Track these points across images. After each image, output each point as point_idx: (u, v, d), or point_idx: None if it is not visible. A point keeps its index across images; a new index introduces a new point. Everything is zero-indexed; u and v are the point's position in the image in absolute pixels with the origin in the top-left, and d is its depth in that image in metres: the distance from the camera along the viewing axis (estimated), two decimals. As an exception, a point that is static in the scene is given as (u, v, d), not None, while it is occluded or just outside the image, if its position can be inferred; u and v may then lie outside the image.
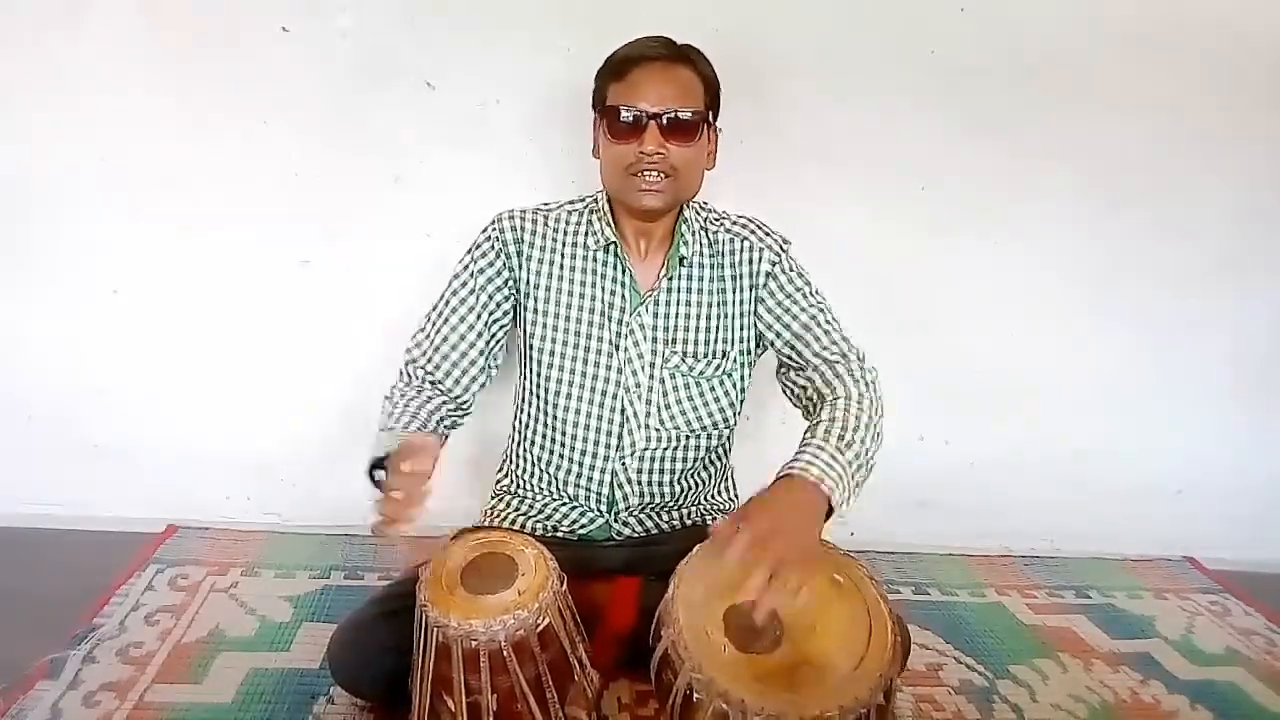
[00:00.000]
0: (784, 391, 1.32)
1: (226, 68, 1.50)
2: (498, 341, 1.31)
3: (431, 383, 1.27)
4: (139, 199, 1.57)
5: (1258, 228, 1.78)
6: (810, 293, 1.29)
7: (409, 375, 1.28)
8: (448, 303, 1.28)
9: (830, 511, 1.01)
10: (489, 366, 1.31)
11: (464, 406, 1.30)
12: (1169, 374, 1.89)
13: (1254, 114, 1.69)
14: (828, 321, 1.27)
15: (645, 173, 1.16)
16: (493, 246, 1.28)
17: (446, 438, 1.26)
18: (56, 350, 1.65)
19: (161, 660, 1.35)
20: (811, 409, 1.21)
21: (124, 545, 1.65)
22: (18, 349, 1.65)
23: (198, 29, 1.48)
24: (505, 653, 0.99)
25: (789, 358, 1.29)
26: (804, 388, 1.25)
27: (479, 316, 1.28)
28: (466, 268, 1.28)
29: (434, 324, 1.29)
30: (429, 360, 1.27)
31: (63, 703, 1.24)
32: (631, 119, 1.15)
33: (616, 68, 1.18)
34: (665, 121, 1.15)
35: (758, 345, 1.33)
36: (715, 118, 1.24)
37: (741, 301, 1.30)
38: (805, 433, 1.09)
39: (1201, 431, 1.94)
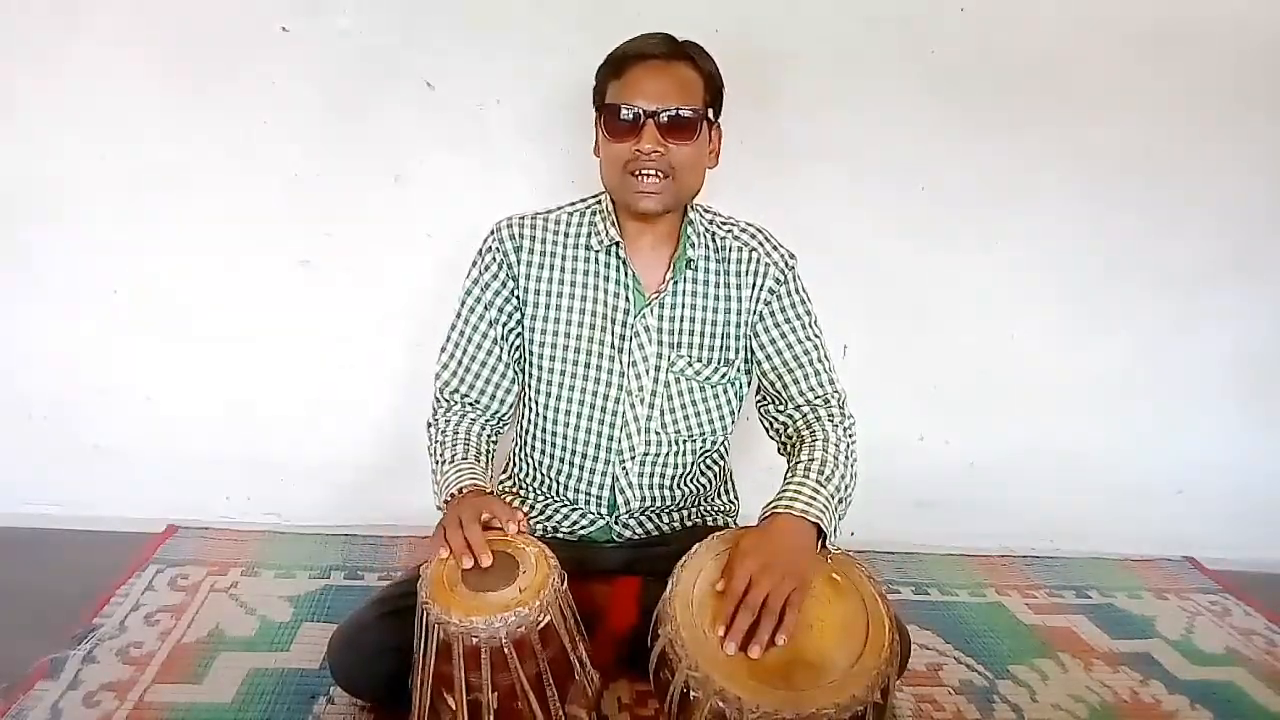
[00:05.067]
0: (762, 423, 1.34)
1: (226, 68, 1.50)
2: (519, 350, 1.31)
3: (469, 404, 1.28)
4: (139, 199, 1.57)
5: (1257, 228, 1.79)
6: (809, 323, 1.29)
7: (447, 402, 1.29)
8: (466, 320, 1.28)
9: (822, 539, 1.06)
10: (518, 376, 1.32)
11: (503, 420, 1.33)
12: (1169, 374, 1.89)
13: (1253, 114, 1.69)
14: (819, 360, 1.28)
15: (643, 174, 1.16)
16: (494, 258, 1.27)
17: (493, 455, 1.30)
18: (56, 350, 1.65)
19: (161, 660, 1.35)
20: (788, 445, 1.26)
21: (124, 545, 1.65)
22: (18, 349, 1.65)
23: (197, 29, 1.48)
24: (506, 650, 0.98)
25: (771, 386, 1.30)
26: (784, 425, 1.29)
27: (498, 331, 1.28)
28: (476, 282, 1.28)
29: (456, 344, 1.29)
30: (461, 381, 1.28)
31: (63, 703, 1.24)
32: (629, 117, 1.14)
33: (615, 65, 1.18)
34: (663, 120, 1.14)
35: (750, 360, 1.33)
36: (717, 115, 1.22)
37: (743, 311, 1.29)
38: (786, 473, 1.15)
39: (1201, 431, 1.94)
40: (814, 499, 1.07)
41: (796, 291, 1.29)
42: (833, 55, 1.57)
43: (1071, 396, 1.88)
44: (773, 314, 1.28)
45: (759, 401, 1.34)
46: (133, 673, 1.31)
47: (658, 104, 1.13)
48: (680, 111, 1.14)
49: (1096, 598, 1.79)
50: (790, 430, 1.27)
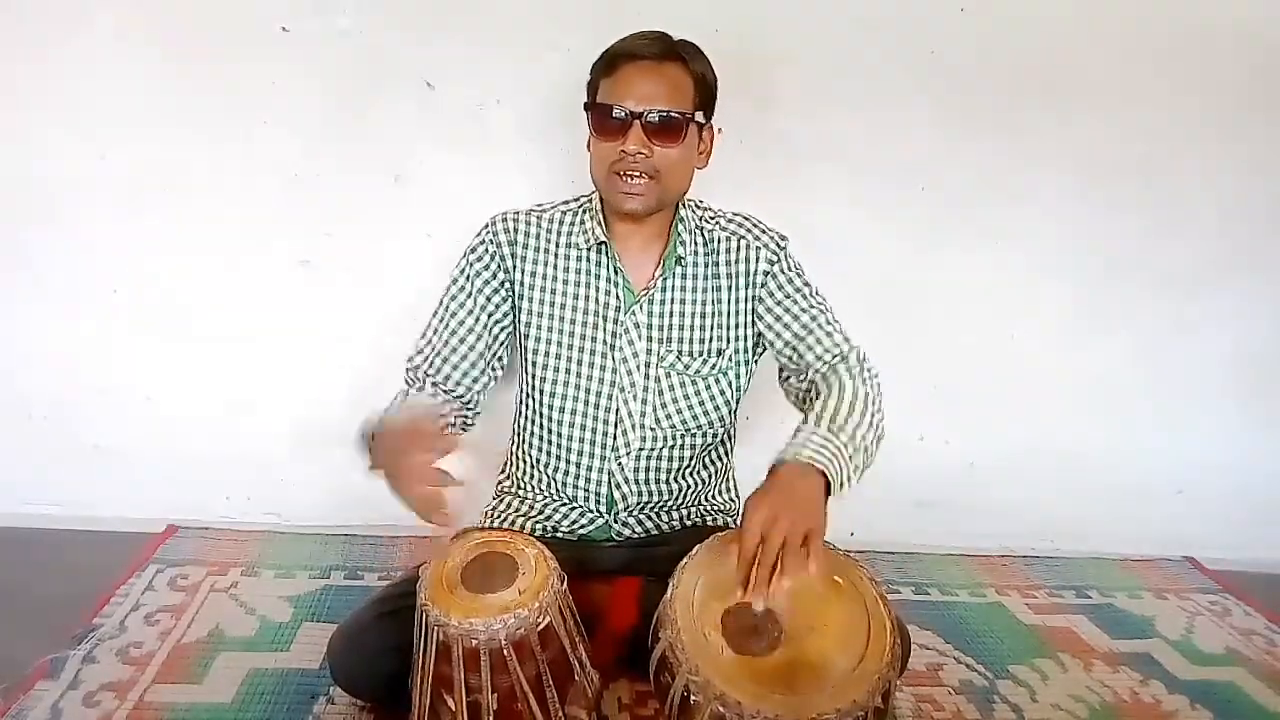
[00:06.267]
0: (789, 399, 1.33)
1: (226, 67, 1.50)
2: (500, 344, 1.31)
3: (434, 384, 1.27)
4: (139, 199, 1.57)
5: (1257, 228, 1.78)
6: (810, 293, 1.29)
7: (409, 379, 1.28)
8: (446, 308, 1.28)
9: (828, 489, 1.00)
10: (492, 370, 1.31)
11: (469, 408, 1.30)
12: (1169, 374, 1.89)
13: (1252, 115, 1.69)
14: (828, 323, 1.27)
15: (628, 175, 1.16)
16: (487, 250, 1.28)
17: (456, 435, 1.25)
18: (56, 350, 1.65)
19: (161, 660, 1.35)
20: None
21: (124, 545, 1.65)
22: (18, 349, 1.65)
23: (198, 29, 1.48)
24: (506, 652, 0.99)
25: (789, 360, 1.29)
26: (806, 391, 1.26)
27: (478, 320, 1.28)
28: (464, 272, 1.28)
29: (435, 330, 1.29)
30: (431, 365, 1.27)
31: (63, 703, 1.24)
32: (617, 116, 1.14)
33: (608, 63, 1.18)
34: (649, 121, 1.13)
35: (757, 346, 1.33)
36: (709, 117, 1.22)
37: (738, 300, 1.29)
38: (798, 424, 1.10)
39: (1201, 431, 1.94)
40: (823, 447, 1.02)
41: (791, 269, 1.29)
42: (833, 55, 1.57)
43: (1071, 396, 1.88)
44: (771, 294, 1.28)
45: (782, 380, 1.32)
46: (133, 673, 1.31)
47: (645, 105, 1.13)
48: (666, 113, 1.14)
49: (1096, 598, 1.80)
50: (814, 393, 1.22)
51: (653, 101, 1.13)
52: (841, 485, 1.02)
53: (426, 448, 0.97)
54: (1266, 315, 1.86)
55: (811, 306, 1.27)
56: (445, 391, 1.27)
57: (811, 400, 1.20)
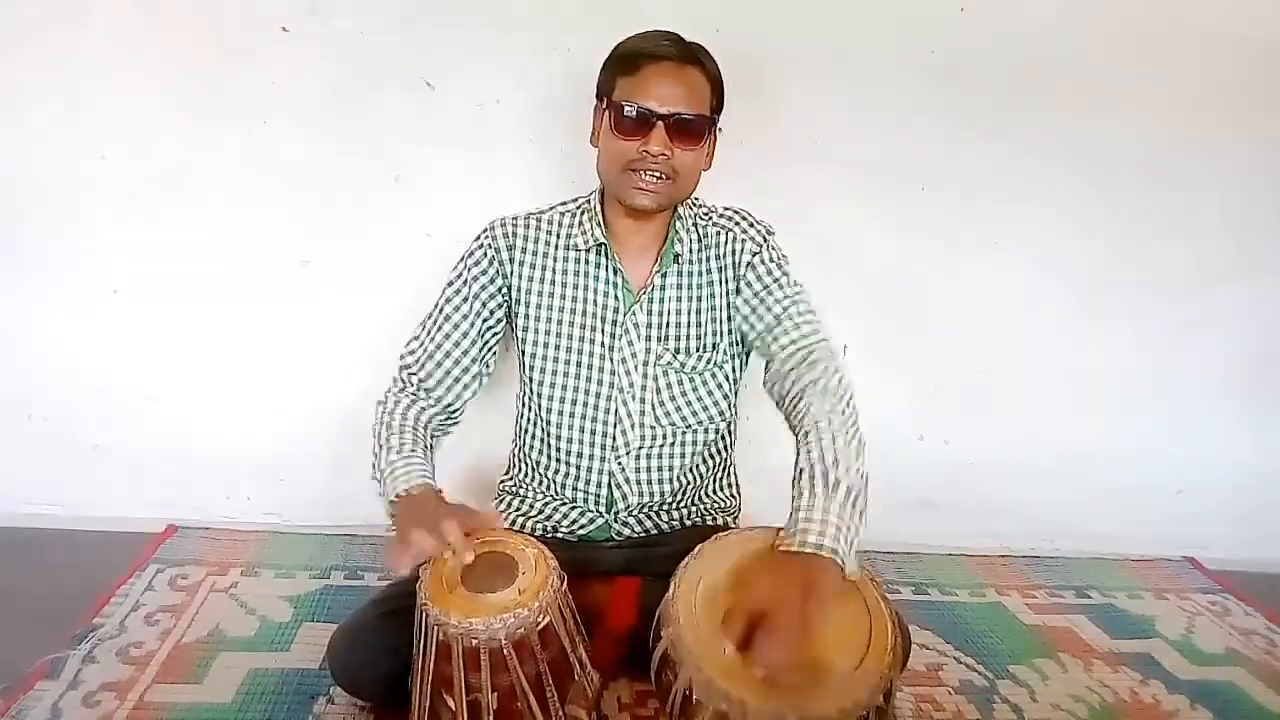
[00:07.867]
0: (770, 396, 1.31)
1: (226, 68, 1.50)
2: (490, 350, 1.31)
3: (425, 390, 1.28)
4: (139, 199, 1.57)
5: (1257, 228, 1.78)
6: (787, 283, 1.28)
7: (402, 382, 1.29)
8: (441, 310, 1.29)
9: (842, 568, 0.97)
10: (481, 375, 1.31)
11: (454, 415, 1.31)
12: (1169, 374, 1.89)
13: (1253, 115, 1.69)
14: (799, 314, 1.26)
15: (645, 171, 1.16)
16: (485, 254, 1.28)
17: (434, 449, 1.27)
18: (56, 350, 1.65)
19: (161, 660, 1.35)
20: (789, 421, 1.18)
21: (124, 545, 1.65)
22: (19, 349, 1.65)
23: (198, 29, 1.48)
24: (506, 651, 0.99)
25: (762, 352, 1.29)
26: (782, 398, 1.22)
27: (472, 325, 1.28)
28: (460, 275, 1.29)
29: (428, 332, 1.29)
30: (422, 368, 1.28)
31: (63, 703, 1.24)
32: (640, 116, 1.14)
33: (628, 61, 1.17)
34: (674, 123, 1.14)
35: (743, 339, 1.33)
36: (718, 119, 1.24)
37: (727, 293, 1.30)
38: (792, 485, 1.05)
39: (1201, 431, 1.94)
40: (825, 522, 0.98)
41: (773, 259, 1.29)
42: (833, 55, 1.57)
43: (1071, 396, 1.88)
44: (749, 285, 1.28)
45: (765, 379, 1.30)
46: (133, 673, 1.31)
47: (669, 107, 1.14)
48: (690, 116, 1.15)
49: (1096, 598, 1.80)
50: (787, 405, 1.19)
51: (677, 104, 1.14)
52: (850, 552, 0.98)
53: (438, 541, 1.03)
54: (1267, 315, 1.86)
55: (786, 297, 1.27)
56: (433, 400, 1.28)
57: (789, 417, 1.17)
